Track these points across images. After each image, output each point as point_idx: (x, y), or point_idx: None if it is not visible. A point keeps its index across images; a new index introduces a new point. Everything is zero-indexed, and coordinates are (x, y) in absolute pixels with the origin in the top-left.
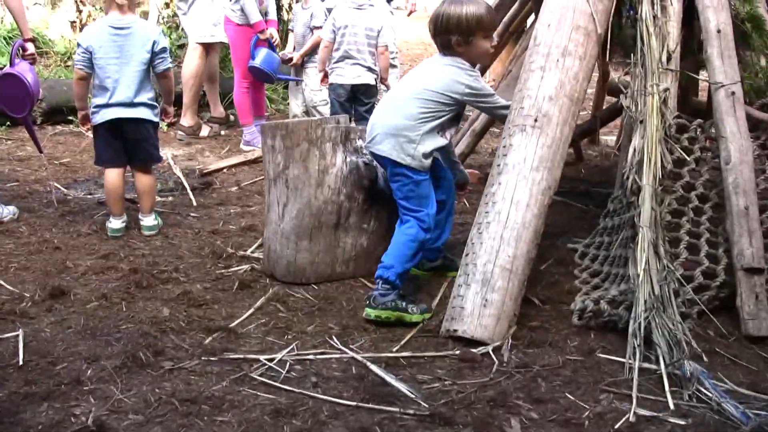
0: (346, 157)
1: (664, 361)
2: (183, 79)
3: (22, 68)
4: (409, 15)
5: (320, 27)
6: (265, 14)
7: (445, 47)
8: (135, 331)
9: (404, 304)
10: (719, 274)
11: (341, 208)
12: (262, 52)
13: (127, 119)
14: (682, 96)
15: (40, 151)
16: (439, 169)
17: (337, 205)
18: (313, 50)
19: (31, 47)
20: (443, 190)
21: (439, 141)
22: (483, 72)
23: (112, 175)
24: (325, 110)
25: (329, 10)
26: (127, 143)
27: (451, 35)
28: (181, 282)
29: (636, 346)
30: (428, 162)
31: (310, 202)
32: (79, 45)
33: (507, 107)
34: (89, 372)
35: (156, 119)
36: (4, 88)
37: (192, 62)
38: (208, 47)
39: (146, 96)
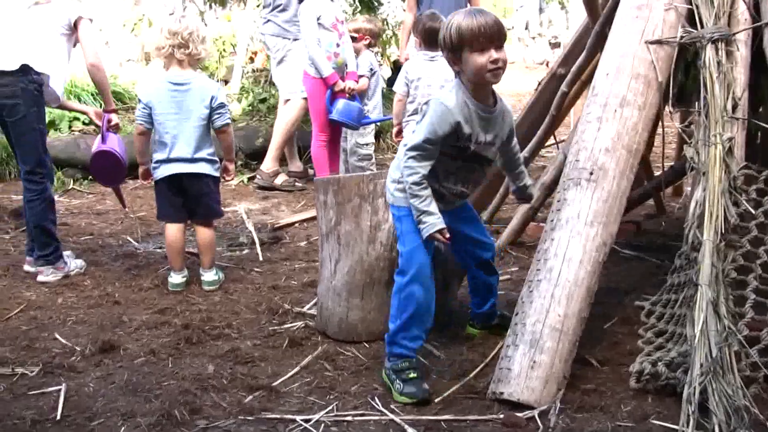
0: None
1: (720, 430)
2: (276, 127)
3: (112, 142)
4: None
5: (364, 75)
6: (345, 65)
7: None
8: (176, 388)
9: (394, 377)
10: None
11: (394, 265)
12: (340, 103)
13: (188, 174)
14: (763, 145)
15: (124, 207)
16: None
17: (390, 261)
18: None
19: (115, 118)
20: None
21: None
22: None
23: (172, 230)
24: (364, 164)
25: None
26: (188, 198)
27: (442, 52)
28: (232, 338)
29: (690, 413)
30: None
31: (362, 258)
32: (139, 100)
33: (411, 175)
34: (123, 429)
35: (216, 174)
36: (99, 162)
37: (290, 113)
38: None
39: (206, 151)
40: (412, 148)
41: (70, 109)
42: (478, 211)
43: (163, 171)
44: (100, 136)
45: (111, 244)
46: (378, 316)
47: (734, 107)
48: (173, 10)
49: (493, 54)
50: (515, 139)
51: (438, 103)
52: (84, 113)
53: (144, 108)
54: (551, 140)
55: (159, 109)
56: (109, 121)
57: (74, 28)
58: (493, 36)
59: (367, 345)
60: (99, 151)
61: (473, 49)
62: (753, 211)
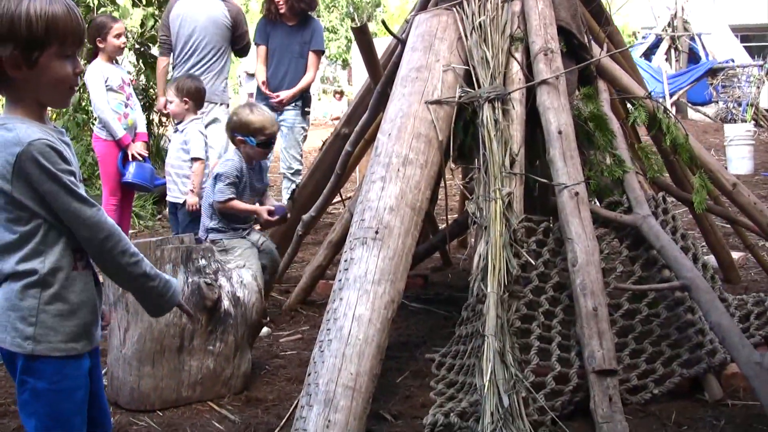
0: (187, 278)
1: None
2: None
3: None
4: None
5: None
6: (134, 128)
7: None
8: None
9: None
10: (572, 378)
11: (184, 331)
12: (133, 166)
13: None
14: (541, 197)
15: None
16: None
17: (180, 327)
18: None
19: None
20: None
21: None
22: None
23: None
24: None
25: None
26: None
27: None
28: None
29: None
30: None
31: (151, 326)
32: None
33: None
34: None
35: None
36: None
37: None
38: None
39: None
40: (87, 203)
41: None
42: None
43: None
44: None
45: None
46: (171, 383)
47: (512, 163)
48: None
49: (79, 64)
50: None
51: (24, 142)
52: None
53: None
54: (337, 198)
55: None
56: None
57: None
58: (83, 39)
59: (160, 413)
60: None
61: (62, 51)
62: (533, 262)
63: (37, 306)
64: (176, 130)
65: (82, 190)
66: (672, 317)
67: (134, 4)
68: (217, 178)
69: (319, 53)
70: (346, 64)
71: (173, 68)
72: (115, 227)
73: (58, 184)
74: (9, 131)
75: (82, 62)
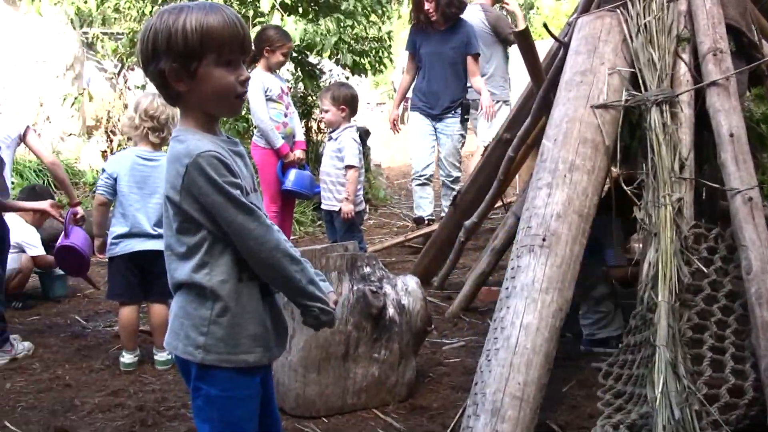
0: (352, 286)
1: None
2: None
3: (77, 236)
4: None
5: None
6: (292, 136)
7: (161, 88)
8: None
9: None
10: (747, 391)
11: (349, 339)
12: (292, 174)
13: (148, 251)
14: (709, 203)
15: (96, 288)
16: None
17: (345, 335)
18: None
19: (80, 211)
20: None
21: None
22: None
23: (128, 312)
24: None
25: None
26: (146, 276)
27: (157, 60)
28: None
29: None
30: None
31: (316, 333)
32: (103, 170)
33: (270, 243)
34: None
35: None
36: (63, 255)
37: None
38: None
39: None
40: (244, 210)
41: (24, 210)
42: (427, 277)
43: (123, 247)
44: (64, 229)
45: (59, 324)
46: (336, 390)
47: (681, 167)
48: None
49: (244, 72)
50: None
51: (194, 154)
52: (39, 210)
53: (108, 178)
54: (498, 203)
55: (124, 181)
56: (75, 214)
57: (21, 139)
58: (247, 46)
59: (325, 420)
60: (62, 246)
61: (220, 60)
62: (705, 270)
63: (209, 317)
64: (330, 138)
65: (253, 200)
66: None
67: (288, 13)
68: None
69: (477, 56)
70: None
71: None
72: (282, 237)
73: (224, 197)
74: (181, 143)
75: None
